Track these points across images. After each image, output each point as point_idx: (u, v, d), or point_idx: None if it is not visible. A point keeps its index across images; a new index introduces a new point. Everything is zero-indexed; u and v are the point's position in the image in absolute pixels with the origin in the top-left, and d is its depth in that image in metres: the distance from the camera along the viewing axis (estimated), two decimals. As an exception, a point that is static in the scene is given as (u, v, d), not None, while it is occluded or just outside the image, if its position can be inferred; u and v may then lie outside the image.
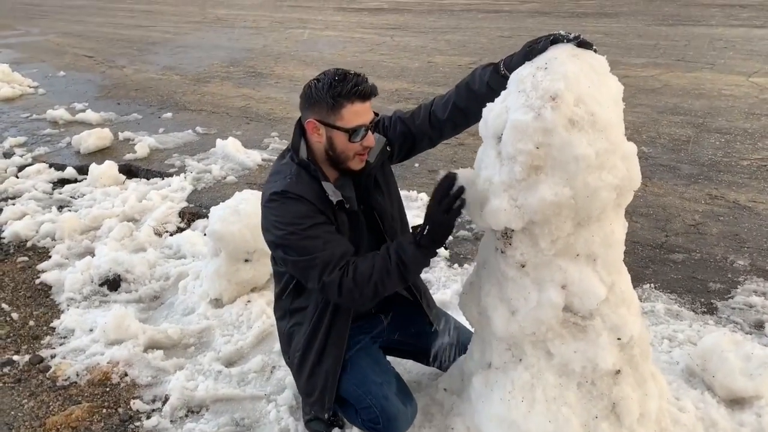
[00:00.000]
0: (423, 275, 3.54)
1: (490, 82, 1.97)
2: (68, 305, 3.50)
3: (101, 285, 3.63)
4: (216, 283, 3.34)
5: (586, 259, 1.83)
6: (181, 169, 5.56)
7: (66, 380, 2.89)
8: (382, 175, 2.20)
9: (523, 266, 1.86)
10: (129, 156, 5.92)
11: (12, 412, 2.70)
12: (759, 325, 3.00)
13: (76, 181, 5.43)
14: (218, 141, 5.92)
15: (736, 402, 2.38)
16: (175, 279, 3.69)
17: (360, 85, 1.91)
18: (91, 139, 6.14)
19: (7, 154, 6.10)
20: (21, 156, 6.02)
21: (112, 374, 2.90)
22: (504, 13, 14.25)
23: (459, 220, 1.90)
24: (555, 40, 1.80)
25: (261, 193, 2.08)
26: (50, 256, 4.04)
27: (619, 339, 1.88)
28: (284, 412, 2.57)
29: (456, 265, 3.70)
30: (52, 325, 3.33)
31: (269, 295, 3.27)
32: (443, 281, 3.52)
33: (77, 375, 2.91)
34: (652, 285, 3.38)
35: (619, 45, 9.52)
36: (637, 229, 3.95)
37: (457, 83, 2.13)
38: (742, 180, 4.62)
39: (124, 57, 11.16)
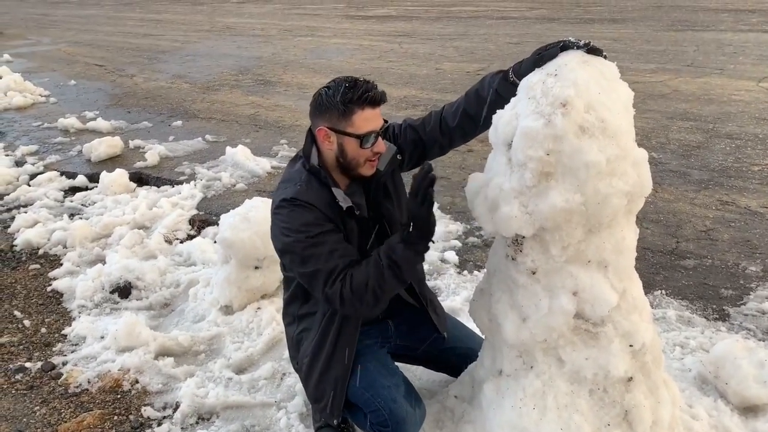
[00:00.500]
0: (432, 282, 3.55)
1: (499, 89, 1.97)
2: (79, 312, 3.52)
3: (112, 292, 3.65)
4: (226, 290, 3.35)
5: (597, 266, 1.83)
6: (191, 177, 5.59)
7: (77, 387, 2.90)
8: (392, 183, 2.20)
9: (534, 273, 1.86)
10: (139, 164, 5.96)
11: (24, 419, 2.71)
12: (772, 332, 2.98)
13: (87, 189, 5.47)
14: (228, 149, 5.95)
15: (749, 409, 2.36)
16: (186, 286, 3.71)
17: (370, 91, 1.93)
18: (101, 147, 6.18)
19: (19, 163, 6.15)
20: (33, 164, 6.07)
21: (123, 381, 2.91)
22: (512, 19, 14.27)
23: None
24: (565, 46, 1.81)
25: (271, 199, 2.09)
26: (62, 264, 4.06)
27: (631, 346, 1.87)
28: (294, 419, 2.57)
29: (465, 272, 3.70)
30: (63, 332, 3.35)
31: (279, 302, 3.27)
32: (453, 288, 3.51)
33: (89, 382, 2.93)
34: (663, 291, 3.36)
35: (628, 51, 9.51)
36: (648, 236, 3.93)
37: (467, 91, 2.13)
38: (753, 185, 4.59)
39: (134, 66, 11.25)
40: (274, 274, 3.40)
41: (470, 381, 2.26)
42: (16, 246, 4.36)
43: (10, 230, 4.61)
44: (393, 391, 2.12)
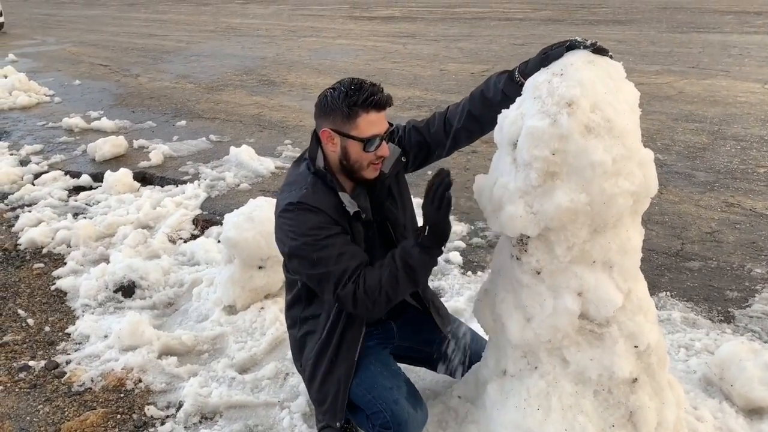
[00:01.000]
0: (436, 283, 3.54)
1: (504, 89, 1.96)
2: (83, 311, 3.52)
3: (116, 291, 3.65)
4: (230, 290, 3.34)
5: (602, 266, 1.82)
6: (195, 177, 5.59)
7: (81, 386, 2.90)
8: (397, 185, 2.20)
9: (539, 273, 1.85)
10: (143, 163, 5.97)
11: (28, 417, 2.71)
12: (777, 334, 2.97)
13: (91, 188, 5.48)
14: (232, 149, 5.96)
15: (754, 412, 2.35)
16: (189, 286, 3.71)
17: (375, 94, 1.91)
18: (106, 147, 6.19)
19: (24, 162, 6.17)
20: (37, 163, 6.09)
21: (126, 380, 2.91)
22: (516, 20, 14.27)
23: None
24: (571, 46, 1.80)
25: (275, 201, 2.08)
26: (66, 263, 4.07)
27: (636, 347, 1.86)
28: (298, 419, 2.56)
29: (470, 273, 3.69)
30: (67, 331, 3.36)
31: (282, 302, 3.24)
32: (457, 288, 3.51)
33: (92, 381, 2.93)
34: (668, 293, 3.35)
35: (633, 52, 9.49)
36: (653, 237, 3.92)
37: (471, 91, 2.12)
38: (759, 187, 4.58)
39: (139, 66, 11.28)
40: (277, 274, 3.39)
41: (474, 381, 2.25)
42: (20, 245, 4.37)
43: (14, 229, 4.61)
44: (395, 393, 2.11)
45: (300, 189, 1.98)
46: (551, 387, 1.91)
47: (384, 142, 1.99)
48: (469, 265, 3.78)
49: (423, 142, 2.21)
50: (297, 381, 2.77)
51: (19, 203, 5.16)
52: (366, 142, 1.93)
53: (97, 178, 5.57)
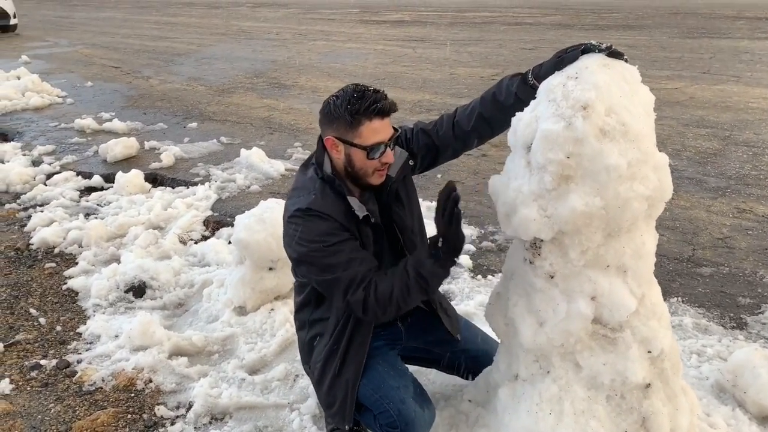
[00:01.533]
0: (446, 286, 3.54)
1: (518, 92, 1.96)
2: (94, 311, 3.54)
3: (127, 291, 3.67)
4: (240, 291, 3.35)
5: (616, 271, 1.81)
6: (206, 178, 5.61)
7: (92, 385, 2.91)
8: (404, 188, 2.19)
9: (552, 277, 1.85)
10: (154, 165, 6.00)
11: (39, 416, 2.72)
12: (791, 341, 2.94)
13: (102, 189, 5.51)
14: (242, 151, 5.98)
15: (768, 419, 2.33)
16: (200, 286, 3.72)
17: (379, 102, 1.90)
18: (117, 148, 6.22)
19: (36, 162, 6.21)
20: (49, 164, 6.12)
21: (137, 380, 2.92)
22: (526, 25, 14.25)
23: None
24: (586, 49, 1.80)
25: (283, 206, 2.08)
26: (77, 263, 4.09)
27: (649, 352, 1.85)
28: (307, 421, 2.56)
29: (480, 276, 3.68)
30: (78, 330, 3.37)
31: (292, 303, 3.27)
32: (467, 292, 3.50)
33: (103, 380, 2.94)
34: (680, 299, 3.33)
35: (644, 57, 9.46)
36: (663, 242, 3.90)
37: (483, 94, 2.12)
38: (771, 194, 4.55)
39: (150, 68, 11.34)
40: (287, 276, 3.40)
41: (485, 385, 2.25)
42: (32, 244, 4.39)
43: (26, 229, 4.64)
44: (401, 392, 2.11)
45: (308, 195, 1.98)
46: (564, 392, 1.90)
47: (388, 149, 1.97)
48: (479, 268, 3.78)
49: (431, 145, 2.20)
50: (306, 383, 2.77)
51: (32, 203, 5.19)
52: (369, 150, 1.93)
53: (109, 179, 5.60)
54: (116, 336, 3.24)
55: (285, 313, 3.28)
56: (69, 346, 3.23)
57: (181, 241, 4.38)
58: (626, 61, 1.82)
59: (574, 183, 1.71)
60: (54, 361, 3.09)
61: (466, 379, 2.42)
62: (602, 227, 1.75)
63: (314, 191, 1.99)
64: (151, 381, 2.92)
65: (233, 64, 11.21)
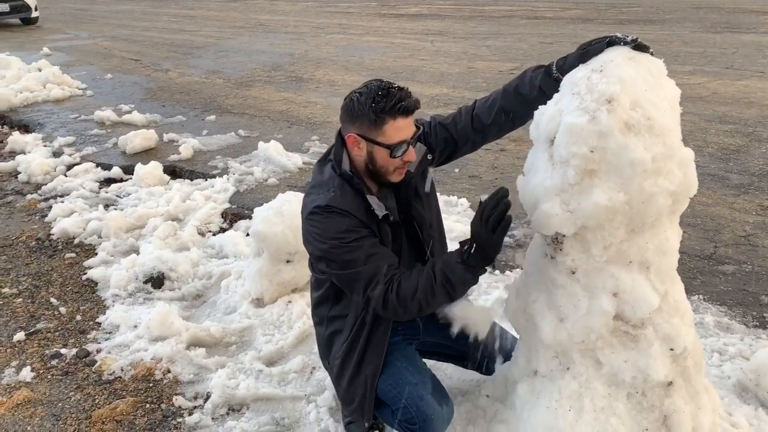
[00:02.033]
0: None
1: (542, 85, 1.93)
2: (113, 301, 3.57)
3: (145, 282, 3.69)
4: (258, 283, 3.36)
5: (639, 267, 1.79)
6: (224, 171, 5.63)
7: (111, 375, 2.94)
8: (422, 183, 2.17)
9: (574, 273, 1.83)
10: (173, 157, 6.03)
11: (60, 404, 2.76)
12: (815, 341, 2.89)
13: (122, 180, 5.55)
14: (260, 144, 5.98)
15: (791, 420, 2.29)
16: (218, 278, 3.74)
17: (404, 100, 1.88)
18: (136, 140, 6.26)
19: (57, 153, 6.26)
20: (70, 155, 6.17)
21: (155, 370, 2.94)
22: (546, 19, 14.13)
23: (507, 238, 1.85)
24: (611, 42, 1.77)
25: (302, 203, 2.06)
26: (97, 253, 4.12)
27: (672, 349, 1.83)
28: (324, 413, 2.57)
29: (497, 272, 3.66)
30: (98, 320, 3.40)
31: (309, 297, 3.28)
32: (484, 287, 3.48)
33: (122, 370, 2.96)
34: (701, 297, 3.29)
35: (665, 52, 9.31)
36: (685, 240, 3.79)
37: (504, 86, 2.10)
38: (796, 191, 4.47)
39: (169, 60, 11.39)
40: (305, 269, 3.37)
41: (503, 381, 2.23)
42: (53, 235, 4.44)
43: (47, 219, 4.69)
44: (420, 389, 2.10)
45: (328, 192, 1.97)
46: (584, 388, 1.88)
47: (411, 147, 1.95)
48: (497, 264, 3.75)
49: (449, 139, 2.18)
50: (323, 375, 2.78)
51: (52, 194, 5.24)
52: (393, 149, 1.91)
53: (128, 170, 5.64)
54: (135, 326, 3.27)
55: (302, 305, 3.28)
56: (88, 336, 3.27)
57: (199, 233, 4.40)
58: (652, 54, 1.79)
59: (598, 178, 1.69)
60: (74, 350, 3.12)
61: (484, 374, 2.40)
62: (625, 222, 1.72)
63: (333, 188, 1.97)
64: (169, 371, 2.94)
65: (251, 57, 11.23)
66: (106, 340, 3.22)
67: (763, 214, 4.16)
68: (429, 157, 2.15)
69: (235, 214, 4.71)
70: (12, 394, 2.80)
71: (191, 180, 5.50)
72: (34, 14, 17.05)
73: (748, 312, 3.14)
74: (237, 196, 5.05)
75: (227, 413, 2.68)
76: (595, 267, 1.79)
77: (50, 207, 4.88)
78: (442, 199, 4.38)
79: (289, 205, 3.42)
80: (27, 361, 3.05)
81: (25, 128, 7.38)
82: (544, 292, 1.92)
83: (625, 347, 1.84)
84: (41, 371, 2.98)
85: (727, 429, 2.10)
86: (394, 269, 1.92)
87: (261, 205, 3.60)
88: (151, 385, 2.87)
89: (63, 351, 3.12)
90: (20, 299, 3.61)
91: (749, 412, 2.32)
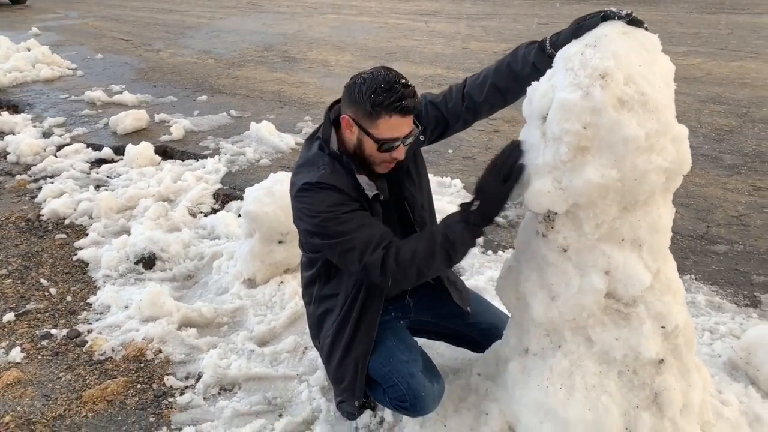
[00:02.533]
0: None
1: (535, 61, 1.91)
2: (104, 282, 3.55)
3: (137, 263, 3.67)
4: (250, 264, 3.34)
5: (631, 245, 1.78)
6: (216, 152, 5.59)
7: (102, 355, 2.93)
8: (414, 164, 2.15)
9: (566, 250, 1.82)
10: (164, 137, 5.98)
11: (50, 384, 2.74)
12: (805, 320, 2.90)
13: (112, 161, 5.51)
14: (252, 124, 5.93)
15: (781, 397, 2.31)
16: (209, 259, 3.72)
17: (404, 100, 1.83)
18: (127, 121, 6.20)
19: (47, 134, 6.20)
20: (60, 136, 6.11)
21: (146, 350, 2.93)
22: (541, 0, 14.01)
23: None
24: (605, 16, 1.75)
25: (290, 182, 2.03)
26: (87, 234, 4.09)
27: (663, 327, 1.82)
28: (316, 393, 2.57)
29: (490, 252, 3.65)
30: (88, 300, 3.38)
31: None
32: (477, 267, 3.48)
33: (113, 350, 2.95)
34: (693, 276, 3.29)
35: (660, 33, 9.21)
36: (677, 219, 3.80)
37: (496, 63, 2.07)
38: (789, 172, 4.47)
39: (160, 41, 11.26)
40: (297, 249, 3.33)
41: (494, 359, 2.23)
42: (43, 215, 4.40)
43: (37, 200, 4.65)
44: (411, 366, 2.10)
45: (318, 169, 1.94)
46: (575, 366, 1.88)
47: (402, 145, 1.92)
48: (489, 244, 3.74)
49: (440, 117, 2.15)
50: (315, 355, 2.77)
51: (42, 175, 5.19)
52: (382, 144, 1.88)
53: (119, 151, 5.59)
54: (126, 307, 3.25)
55: (294, 286, 3.27)
56: (79, 316, 3.25)
57: (190, 214, 4.37)
58: (646, 29, 1.76)
59: (591, 154, 1.67)
60: (64, 331, 3.10)
61: (476, 352, 2.40)
62: (618, 200, 1.71)
63: (323, 166, 1.95)
64: (160, 351, 2.93)
65: (243, 38, 11.11)
66: (96, 320, 3.21)
67: (756, 194, 4.16)
68: (421, 138, 2.12)
69: (226, 195, 4.68)
70: (1, 374, 2.78)
71: (182, 160, 5.46)
72: (23, -7, 16.82)
73: (739, 291, 3.15)
74: (229, 177, 5.02)
75: (219, 393, 2.67)
76: (587, 245, 1.78)
77: (40, 188, 4.84)
78: (435, 180, 4.36)
79: (281, 186, 3.39)
80: (17, 341, 3.03)
81: (14, 108, 7.30)
82: (536, 270, 1.91)
83: (617, 325, 1.84)
84: (31, 352, 2.96)
85: (716, 406, 2.10)
86: (390, 236, 1.89)
87: (253, 185, 3.57)
88: (142, 365, 2.86)
89: (53, 331, 3.10)
90: (10, 280, 3.58)
91: (739, 390, 2.33)
